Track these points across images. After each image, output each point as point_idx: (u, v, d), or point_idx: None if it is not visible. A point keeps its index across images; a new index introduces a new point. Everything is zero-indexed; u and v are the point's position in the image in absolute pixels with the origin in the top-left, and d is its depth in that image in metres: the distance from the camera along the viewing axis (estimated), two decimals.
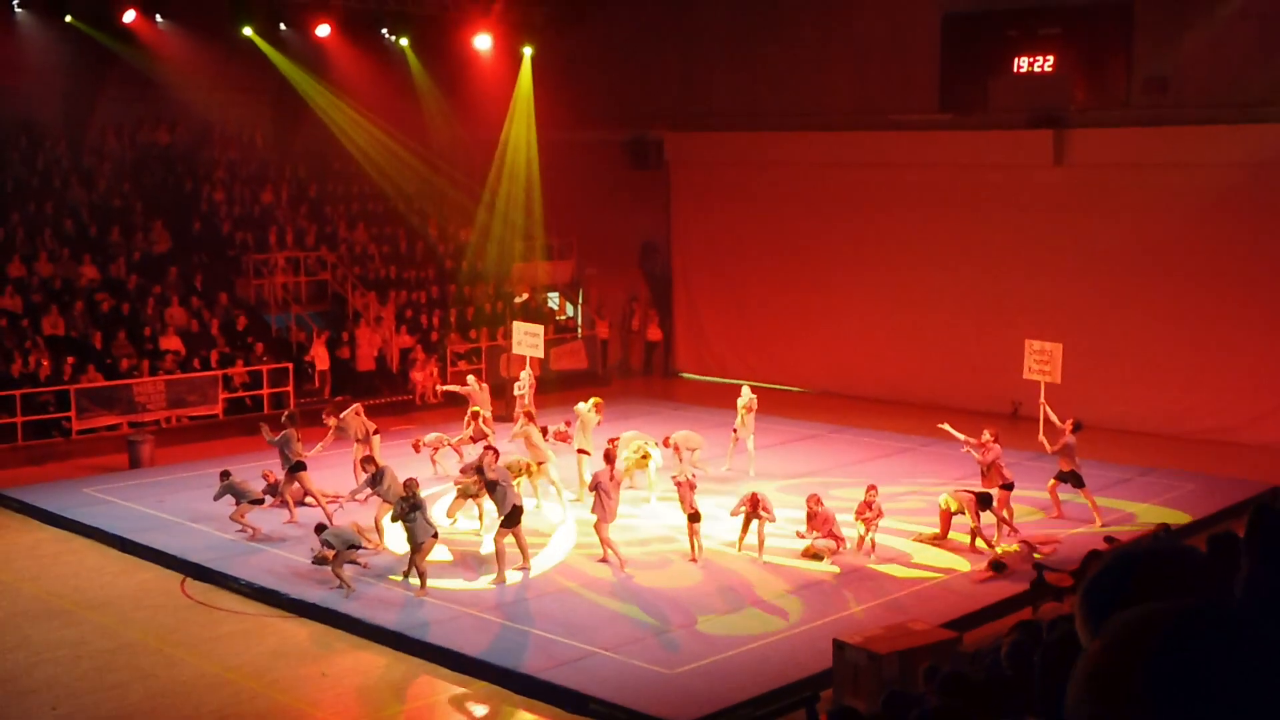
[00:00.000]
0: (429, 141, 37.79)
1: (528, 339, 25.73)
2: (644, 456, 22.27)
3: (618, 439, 21.18)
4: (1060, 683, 4.95)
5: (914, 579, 18.12)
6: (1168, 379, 27.84)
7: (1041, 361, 22.18)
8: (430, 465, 23.23)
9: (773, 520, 18.90)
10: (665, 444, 22.64)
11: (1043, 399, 21.67)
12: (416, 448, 22.96)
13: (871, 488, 19.20)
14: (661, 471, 22.33)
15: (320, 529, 18.08)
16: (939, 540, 19.59)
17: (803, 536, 18.92)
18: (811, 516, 18.88)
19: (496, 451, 19.28)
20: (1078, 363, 23.23)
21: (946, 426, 21.20)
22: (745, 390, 24.41)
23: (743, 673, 14.77)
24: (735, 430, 24.12)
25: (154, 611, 17.63)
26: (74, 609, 17.70)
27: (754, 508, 18.78)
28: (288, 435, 20.72)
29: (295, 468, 20.71)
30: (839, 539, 18.78)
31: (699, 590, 17.74)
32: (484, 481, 18.61)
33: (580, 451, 22.42)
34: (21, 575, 19.24)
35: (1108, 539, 17.97)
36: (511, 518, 18.06)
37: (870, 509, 18.95)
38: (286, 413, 22.34)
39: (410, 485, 17.86)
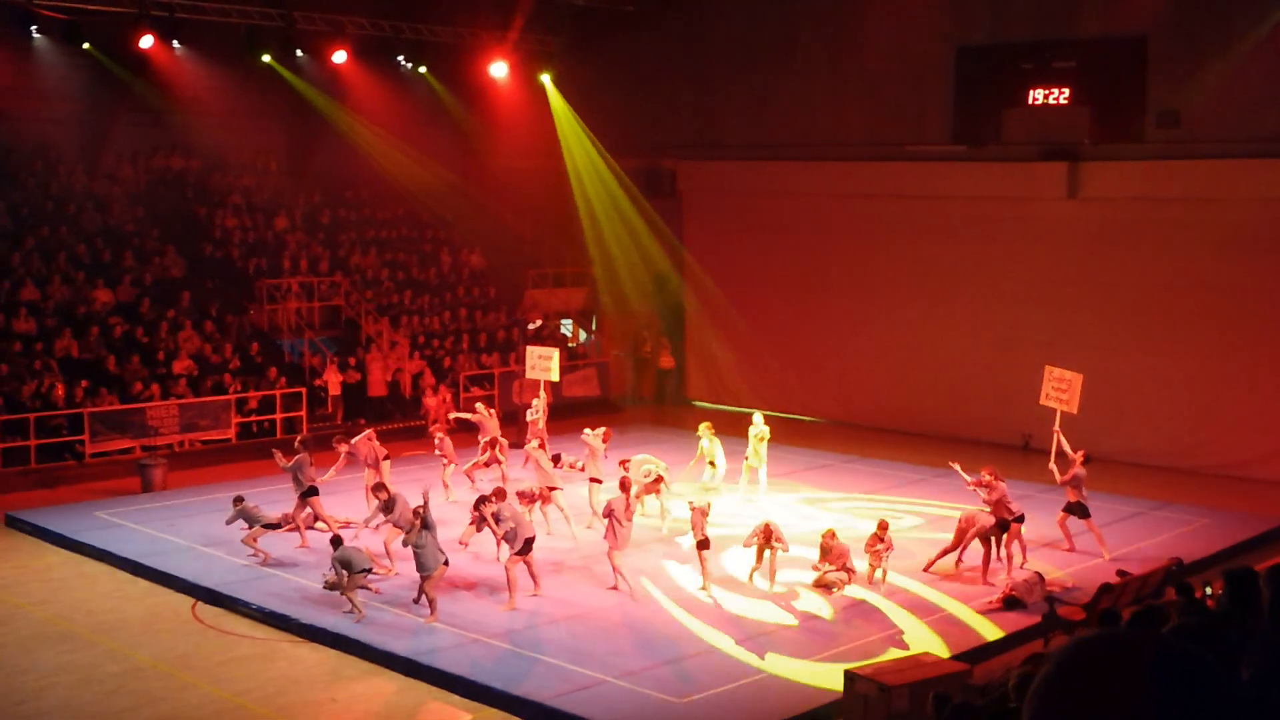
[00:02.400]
0: (445, 167, 37.94)
1: (541, 363, 25.48)
2: (656, 480, 22.24)
3: (629, 460, 21.23)
4: None
5: (925, 610, 18.09)
6: (1180, 413, 27.80)
7: (1059, 389, 22.08)
8: (442, 490, 23.25)
9: (786, 550, 18.89)
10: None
11: (1057, 427, 21.59)
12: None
13: (882, 524, 19.18)
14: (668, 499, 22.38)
15: (336, 541, 18.08)
16: (950, 552, 19.50)
17: (817, 569, 18.92)
18: (826, 551, 18.88)
19: (500, 494, 19.18)
20: (1089, 395, 23.13)
21: (956, 467, 21.12)
22: (757, 419, 24.35)
23: (752, 703, 14.75)
24: (747, 458, 24.07)
25: (165, 636, 17.65)
26: (85, 632, 17.73)
27: (767, 539, 18.78)
28: (301, 461, 20.77)
29: (307, 493, 20.77)
30: (851, 571, 18.77)
31: (709, 619, 17.72)
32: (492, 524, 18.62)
33: (592, 480, 22.42)
34: (33, 598, 19.27)
35: (1119, 572, 17.95)
36: (524, 548, 18.10)
37: (881, 542, 18.93)
38: (300, 438, 22.37)
39: (419, 510, 17.83)
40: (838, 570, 18.71)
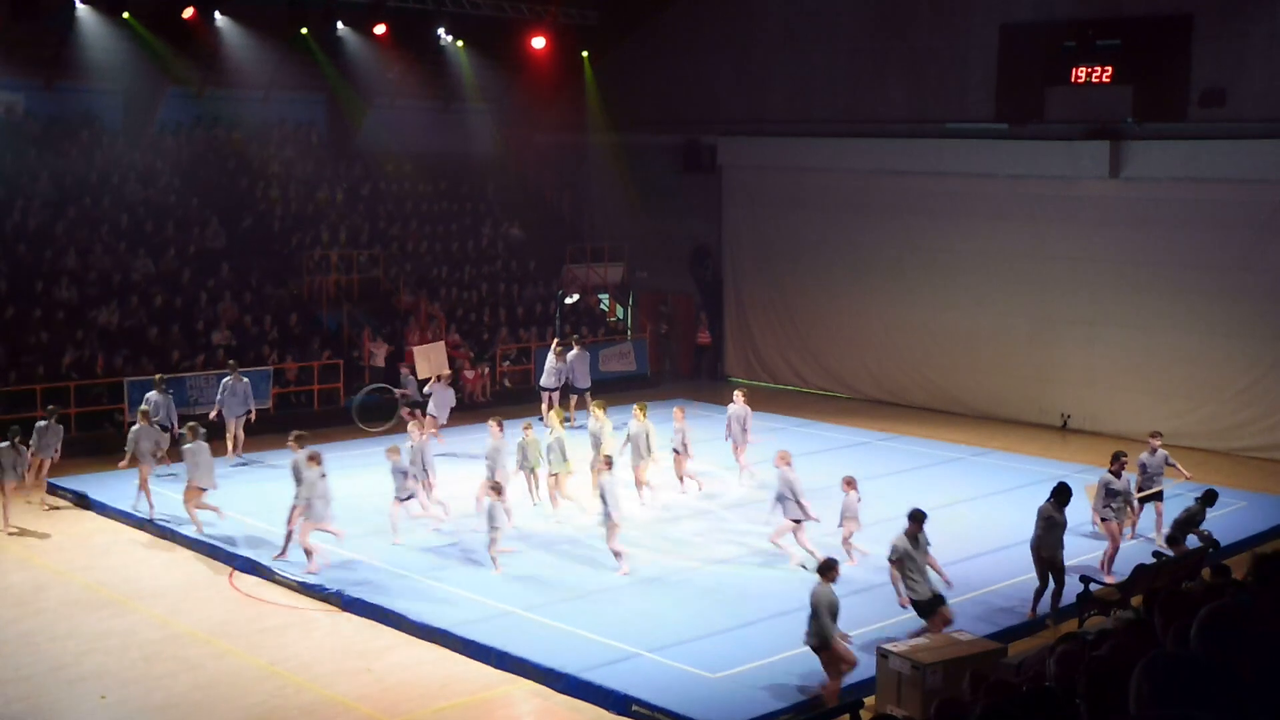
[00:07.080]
0: (484, 141, 37.99)
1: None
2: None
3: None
4: (1108, 696, 4.93)
5: (961, 588, 18.01)
6: (1220, 395, 27.58)
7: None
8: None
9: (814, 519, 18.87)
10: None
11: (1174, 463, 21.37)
12: None
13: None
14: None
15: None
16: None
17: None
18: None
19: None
20: (1129, 376, 23.07)
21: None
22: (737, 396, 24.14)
23: (785, 678, 14.76)
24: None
25: (202, 603, 17.81)
26: (124, 599, 17.89)
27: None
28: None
29: None
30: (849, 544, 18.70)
31: (741, 594, 17.75)
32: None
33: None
34: (73, 565, 19.46)
35: (1155, 553, 17.86)
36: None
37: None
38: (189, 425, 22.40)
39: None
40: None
